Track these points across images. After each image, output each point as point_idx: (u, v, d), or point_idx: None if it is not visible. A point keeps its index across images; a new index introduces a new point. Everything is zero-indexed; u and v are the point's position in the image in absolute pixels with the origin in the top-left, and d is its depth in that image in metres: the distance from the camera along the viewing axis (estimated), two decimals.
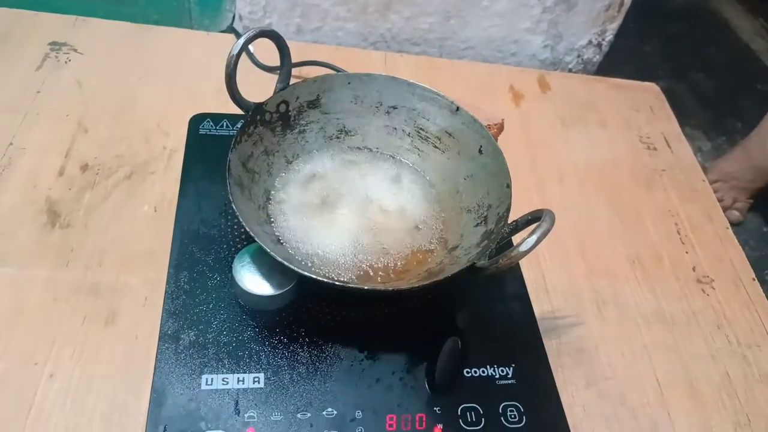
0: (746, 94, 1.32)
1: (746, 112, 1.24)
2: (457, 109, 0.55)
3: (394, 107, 0.57)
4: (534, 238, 0.41)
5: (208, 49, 0.75)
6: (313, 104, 0.55)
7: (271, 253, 0.43)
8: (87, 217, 0.56)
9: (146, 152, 0.63)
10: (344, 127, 0.57)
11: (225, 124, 0.62)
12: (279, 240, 0.49)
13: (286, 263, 0.43)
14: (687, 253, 0.67)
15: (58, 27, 0.73)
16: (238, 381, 0.44)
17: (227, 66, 0.47)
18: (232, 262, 0.48)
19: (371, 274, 0.49)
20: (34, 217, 0.55)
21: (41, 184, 0.58)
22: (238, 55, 0.47)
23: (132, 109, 0.66)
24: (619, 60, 0.95)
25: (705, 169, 0.81)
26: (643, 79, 0.88)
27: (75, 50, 0.71)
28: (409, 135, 0.58)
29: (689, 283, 0.64)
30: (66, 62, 0.69)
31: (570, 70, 0.90)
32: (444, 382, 0.47)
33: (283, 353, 0.46)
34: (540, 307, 0.58)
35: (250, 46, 0.73)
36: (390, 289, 0.44)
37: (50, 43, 0.71)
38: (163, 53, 0.74)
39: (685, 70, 1.36)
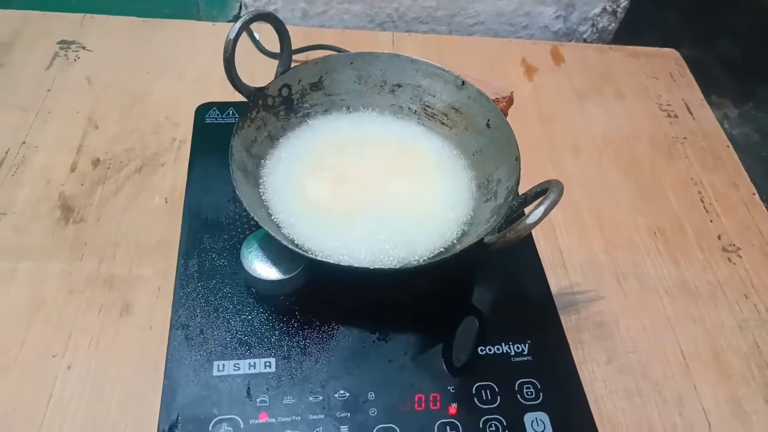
0: None
1: None
2: (463, 83, 0.53)
3: (399, 85, 0.56)
4: (541, 209, 0.39)
5: (215, 39, 0.74)
6: (316, 86, 0.55)
7: (277, 237, 0.43)
8: (100, 211, 0.57)
9: (156, 144, 0.63)
10: (349, 108, 0.56)
11: (231, 113, 0.61)
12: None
13: (291, 247, 0.42)
14: (711, 221, 0.64)
15: (67, 26, 0.74)
16: (250, 366, 0.44)
17: (225, 51, 0.46)
18: (240, 248, 0.48)
19: (380, 252, 0.48)
20: (49, 212, 0.56)
21: (54, 180, 0.59)
22: (235, 39, 0.46)
23: (141, 103, 0.67)
24: (639, 29, 0.92)
25: (732, 137, 0.78)
26: (667, 46, 0.84)
27: (84, 48, 0.72)
28: (415, 113, 0.56)
29: (714, 252, 0.62)
30: (75, 60, 0.70)
31: (585, 41, 0.88)
32: (457, 360, 0.46)
33: (294, 337, 0.46)
34: (558, 282, 0.57)
35: (255, 34, 0.73)
36: (396, 267, 0.44)
37: (59, 42, 0.72)
38: (171, 46, 0.74)
39: (710, 37, 1.30)
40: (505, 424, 0.43)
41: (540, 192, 0.44)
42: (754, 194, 0.68)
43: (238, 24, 0.46)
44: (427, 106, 0.56)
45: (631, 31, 0.89)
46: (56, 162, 0.60)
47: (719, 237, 0.63)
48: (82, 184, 0.59)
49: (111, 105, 0.66)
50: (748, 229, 0.64)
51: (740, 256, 0.61)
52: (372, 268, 0.43)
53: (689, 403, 0.50)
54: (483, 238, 0.43)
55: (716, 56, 1.28)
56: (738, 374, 0.52)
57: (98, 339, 0.49)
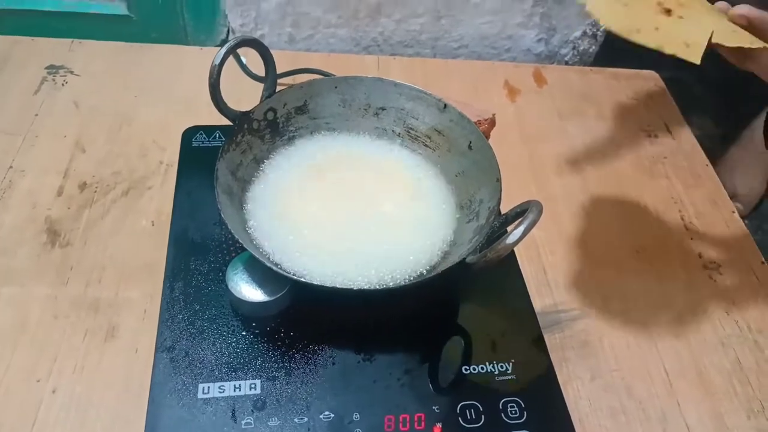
0: (754, 78, 1.30)
1: (754, 96, 1.21)
2: (445, 106, 0.54)
3: (383, 108, 0.57)
4: (521, 229, 0.40)
5: (201, 63, 0.75)
6: (301, 110, 0.56)
7: (261, 259, 0.43)
8: (86, 235, 0.57)
9: (143, 168, 0.63)
10: (333, 131, 0.57)
11: (218, 136, 0.62)
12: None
13: (275, 269, 0.43)
14: (692, 239, 0.65)
15: (55, 51, 0.74)
16: (235, 388, 0.44)
17: (210, 76, 0.47)
18: (225, 271, 0.49)
19: (364, 273, 0.48)
20: (35, 236, 0.56)
21: (41, 204, 0.59)
22: (220, 65, 0.47)
23: (128, 127, 0.67)
24: (621, 51, 0.94)
25: (715, 156, 0.79)
26: (647, 68, 0.86)
27: (72, 72, 0.72)
28: (399, 135, 0.57)
29: (696, 270, 0.62)
30: (63, 84, 0.71)
31: (566, 63, 0.89)
32: (441, 380, 0.47)
33: (279, 358, 0.46)
34: (542, 301, 0.57)
35: (242, 58, 0.74)
36: (379, 288, 0.44)
37: (47, 67, 0.72)
38: (158, 70, 0.75)
39: None
40: None
41: (520, 212, 0.45)
42: (733, 212, 0.69)
43: (223, 50, 0.47)
44: (411, 128, 0.57)
45: (613, 51, 0.91)
46: (43, 186, 0.60)
47: (700, 255, 0.64)
48: (69, 208, 0.59)
49: (98, 129, 0.67)
50: (728, 247, 0.65)
51: (721, 273, 0.62)
52: (355, 288, 0.43)
53: (673, 420, 0.51)
54: (465, 258, 0.44)
55: (698, 76, 1.31)
56: (721, 391, 0.53)
57: (83, 363, 0.48)
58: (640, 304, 0.59)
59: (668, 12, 0.46)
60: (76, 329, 0.50)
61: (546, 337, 0.53)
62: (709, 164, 0.74)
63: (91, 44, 0.76)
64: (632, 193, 0.69)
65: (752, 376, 0.54)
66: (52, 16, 0.82)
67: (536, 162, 0.71)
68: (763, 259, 0.64)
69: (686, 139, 0.77)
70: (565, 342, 0.55)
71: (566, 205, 0.66)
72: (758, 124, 1.11)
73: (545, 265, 0.60)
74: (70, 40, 0.76)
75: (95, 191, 0.61)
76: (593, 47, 0.88)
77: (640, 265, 0.62)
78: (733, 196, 0.91)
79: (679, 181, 0.71)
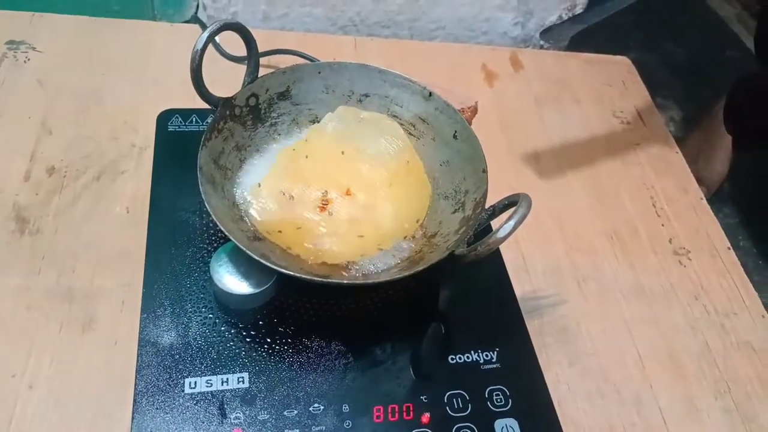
0: (716, 62, 1.33)
1: (717, 79, 1.25)
2: (430, 94, 0.54)
3: (366, 95, 0.56)
4: (511, 223, 0.41)
5: (173, 40, 0.73)
6: (284, 96, 0.54)
7: (247, 251, 0.42)
8: (57, 222, 0.55)
9: (115, 151, 0.61)
10: (316, 117, 0.56)
11: (194, 120, 0.60)
12: (256, 236, 0.48)
13: (262, 261, 0.42)
14: (663, 225, 0.67)
15: (15, 25, 0.70)
16: (222, 382, 0.44)
17: (192, 61, 0.45)
18: (209, 261, 0.48)
19: (350, 264, 0.48)
20: (2, 224, 0.54)
21: (7, 189, 0.56)
22: (203, 50, 0.45)
23: (97, 107, 0.65)
24: (589, 32, 0.95)
25: (678, 140, 0.82)
26: (614, 50, 0.88)
27: (33, 48, 0.69)
28: None
29: (666, 256, 0.65)
30: (25, 61, 0.67)
31: (541, 47, 0.90)
32: (428, 370, 0.47)
33: (266, 351, 0.46)
34: (521, 287, 0.58)
35: (216, 38, 0.71)
36: (370, 282, 0.44)
37: (7, 43, 0.68)
38: (126, 47, 0.72)
39: (656, 40, 1.36)
40: (476, 431, 0.44)
41: (508, 204, 0.45)
42: (702, 199, 0.71)
43: (205, 34, 0.45)
44: (395, 116, 0.56)
45: (582, 33, 0.91)
46: (8, 170, 0.58)
47: (670, 241, 0.66)
48: (37, 194, 0.56)
49: (65, 109, 0.64)
50: (697, 233, 0.67)
51: (690, 259, 0.65)
52: (345, 282, 0.43)
53: (646, 402, 0.53)
54: (454, 251, 0.44)
55: (662, 59, 1.33)
56: (690, 373, 0.55)
57: (60, 356, 0.47)
58: (615, 289, 0.61)
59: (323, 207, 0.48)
60: (51, 321, 0.49)
61: (526, 323, 0.54)
62: (679, 152, 0.76)
63: (53, 18, 0.72)
64: (606, 178, 0.71)
65: (719, 358, 0.57)
66: None
67: (514, 147, 0.71)
68: (729, 245, 0.67)
69: (657, 126, 0.78)
70: (545, 328, 0.56)
71: (543, 190, 0.67)
72: (720, 108, 1.14)
73: (523, 251, 0.61)
74: (30, 13, 0.71)
75: (65, 176, 0.58)
76: None
77: (614, 250, 0.64)
78: (695, 180, 0.94)
79: (650, 168, 0.73)
